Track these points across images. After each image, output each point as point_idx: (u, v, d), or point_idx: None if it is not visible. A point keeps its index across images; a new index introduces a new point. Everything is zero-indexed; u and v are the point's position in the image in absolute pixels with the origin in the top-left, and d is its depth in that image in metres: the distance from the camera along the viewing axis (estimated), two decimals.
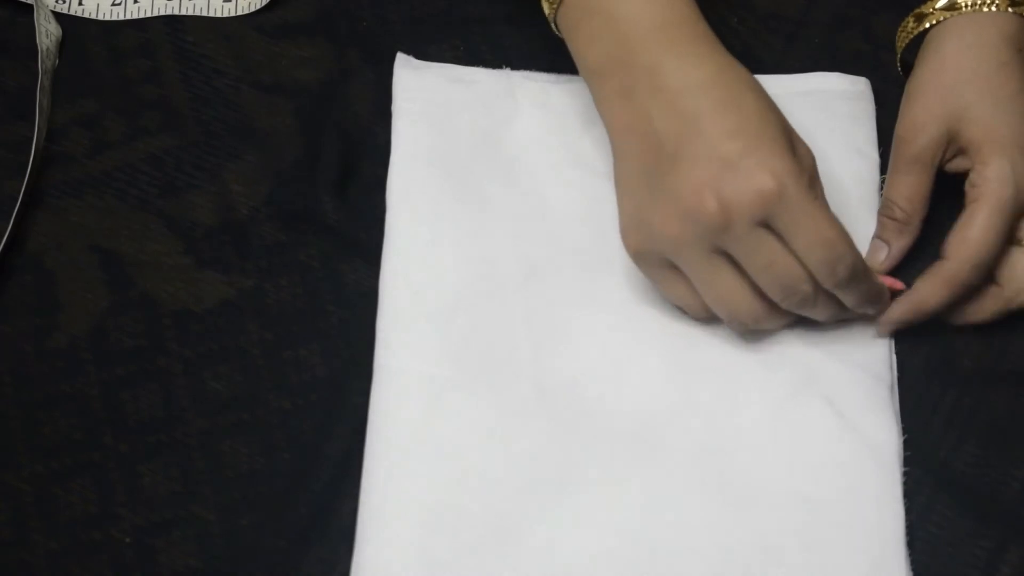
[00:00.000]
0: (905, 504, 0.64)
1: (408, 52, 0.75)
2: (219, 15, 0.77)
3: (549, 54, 0.75)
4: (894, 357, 0.68)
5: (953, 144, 0.68)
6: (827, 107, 0.73)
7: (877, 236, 0.69)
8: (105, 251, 0.70)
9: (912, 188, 0.68)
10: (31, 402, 0.67)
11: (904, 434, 0.66)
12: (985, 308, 0.67)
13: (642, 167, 0.64)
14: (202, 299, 0.69)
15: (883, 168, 0.72)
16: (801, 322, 0.68)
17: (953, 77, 0.67)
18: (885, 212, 0.69)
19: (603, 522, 0.63)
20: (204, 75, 0.75)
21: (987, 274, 0.66)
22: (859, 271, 0.63)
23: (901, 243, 0.69)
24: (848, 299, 0.65)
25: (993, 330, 0.68)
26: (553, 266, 0.69)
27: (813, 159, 0.65)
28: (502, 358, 0.67)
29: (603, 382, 0.66)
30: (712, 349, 0.67)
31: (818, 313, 0.65)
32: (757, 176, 0.61)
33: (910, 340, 0.68)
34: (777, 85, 0.74)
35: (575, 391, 0.66)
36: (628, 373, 0.67)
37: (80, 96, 0.75)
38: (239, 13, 0.77)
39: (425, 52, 0.75)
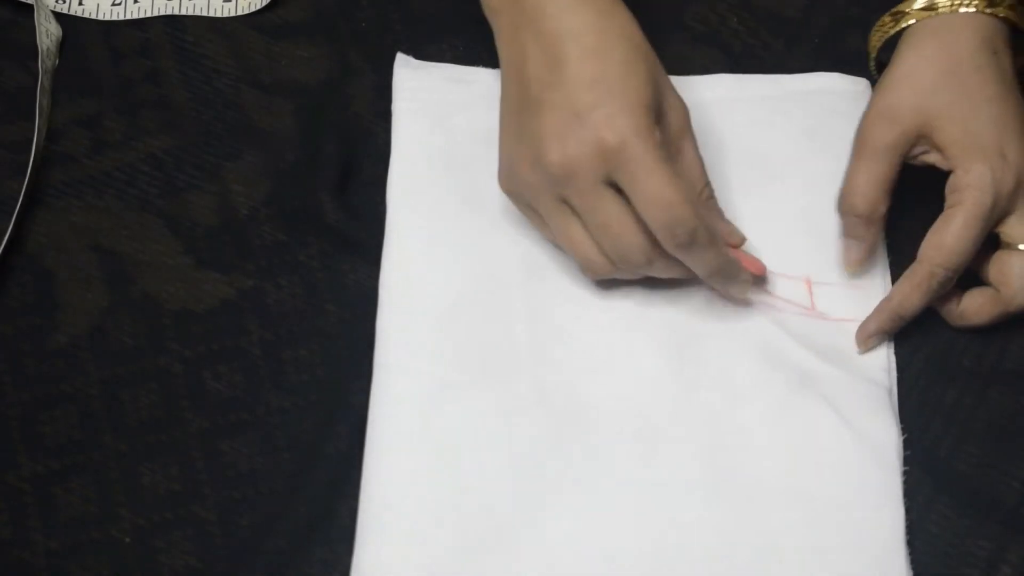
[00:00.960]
0: (905, 504, 0.64)
1: (408, 52, 0.75)
2: (219, 15, 0.77)
3: None
4: (893, 359, 0.68)
5: (925, 140, 0.68)
6: (827, 107, 0.73)
7: (848, 235, 0.69)
8: (105, 251, 0.70)
9: (877, 177, 0.68)
10: (31, 402, 0.67)
11: (904, 434, 0.66)
12: (984, 312, 0.67)
13: (515, 108, 0.65)
14: (202, 299, 0.69)
15: None
16: (800, 323, 0.68)
17: (930, 76, 0.67)
18: (847, 209, 0.68)
19: (603, 521, 0.63)
20: (204, 75, 0.75)
21: (958, 277, 0.67)
22: (700, 237, 0.62)
23: (872, 234, 0.68)
24: (695, 267, 0.64)
25: (993, 330, 0.68)
26: (553, 265, 0.69)
27: (684, 113, 0.65)
28: (502, 357, 0.67)
29: (603, 382, 0.66)
30: (712, 349, 0.67)
31: (658, 273, 0.66)
32: (600, 130, 0.61)
33: (910, 340, 0.69)
34: (777, 85, 0.74)
35: (575, 391, 0.66)
36: (628, 372, 0.67)
37: (80, 96, 0.75)
38: (239, 13, 0.77)
39: (425, 52, 0.75)
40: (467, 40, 0.76)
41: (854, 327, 0.68)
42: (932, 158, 0.68)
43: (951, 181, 0.67)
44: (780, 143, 0.73)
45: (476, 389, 0.66)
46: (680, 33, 0.77)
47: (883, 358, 0.68)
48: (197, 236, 0.71)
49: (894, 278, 0.69)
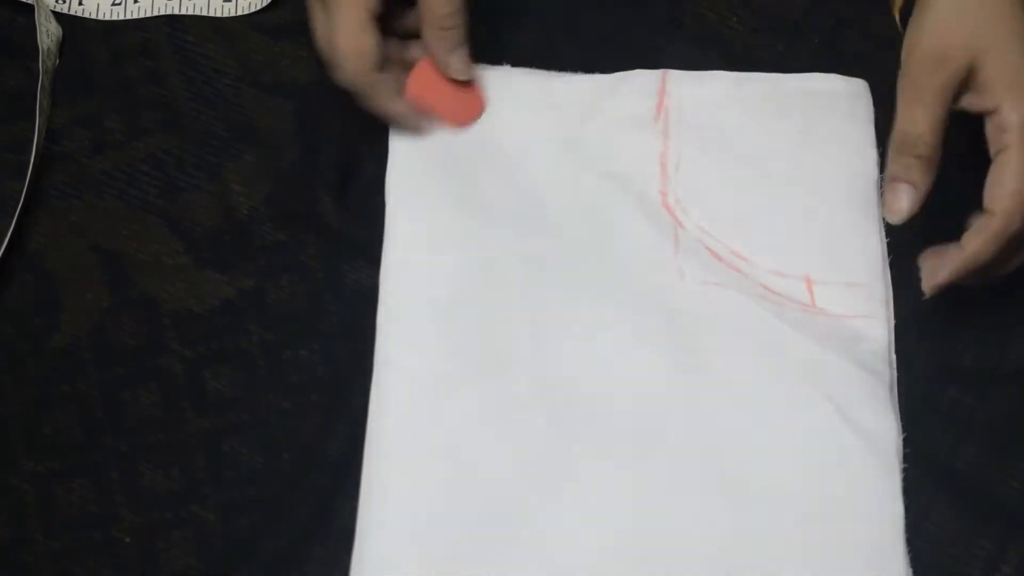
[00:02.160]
0: (905, 503, 0.64)
1: None
2: (219, 15, 0.77)
3: (549, 53, 0.75)
4: (893, 356, 0.68)
5: (967, 80, 0.65)
6: (826, 107, 0.73)
7: (901, 179, 0.65)
8: (105, 251, 0.70)
9: (935, 120, 0.65)
10: (31, 402, 0.67)
11: (904, 433, 0.66)
12: (986, 242, 0.64)
13: None
14: (202, 299, 0.69)
15: (882, 168, 0.72)
16: (801, 318, 0.68)
17: (973, 14, 0.65)
18: (908, 151, 0.65)
19: (602, 519, 0.63)
20: (204, 75, 0.75)
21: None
22: (360, 94, 0.69)
23: (928, 181, 0.65)
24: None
25: (993, 330, 0.69)
26: (553, 263, 0.69)
27: None
28: (502, 355, 0.67)
29: (603, 379, 0.66)
30: (712, 346, 0.67)
31: None
32: None
33: (911, 339, 0.68)
34: (776, 84, 0.74)
35: (575, 388, 0.66)
36: (628, 370, 0.67)
37: (80, 96, 0.75)
38: (239, 13, 0.77)
39: None
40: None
41: (855, 323, 0.68)
42: (969, 101, 0.65)
43: (997, 121, 0.64)
44: (779, 142, 0.73)
45: (476, 387, 0.66)
46: (680, 33, 0.77)
47: (883, 354, 0.68)
48: (197, 236, 0.71)
49: (893, 275, 0.69)
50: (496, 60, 0.75)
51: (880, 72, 0.75)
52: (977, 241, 0.64)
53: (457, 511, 0.63)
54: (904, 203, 0.65)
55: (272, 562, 0.63)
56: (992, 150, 0.64)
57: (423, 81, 0.71)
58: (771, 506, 0.64)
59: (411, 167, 0.71)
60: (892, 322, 0.69)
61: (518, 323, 0.68)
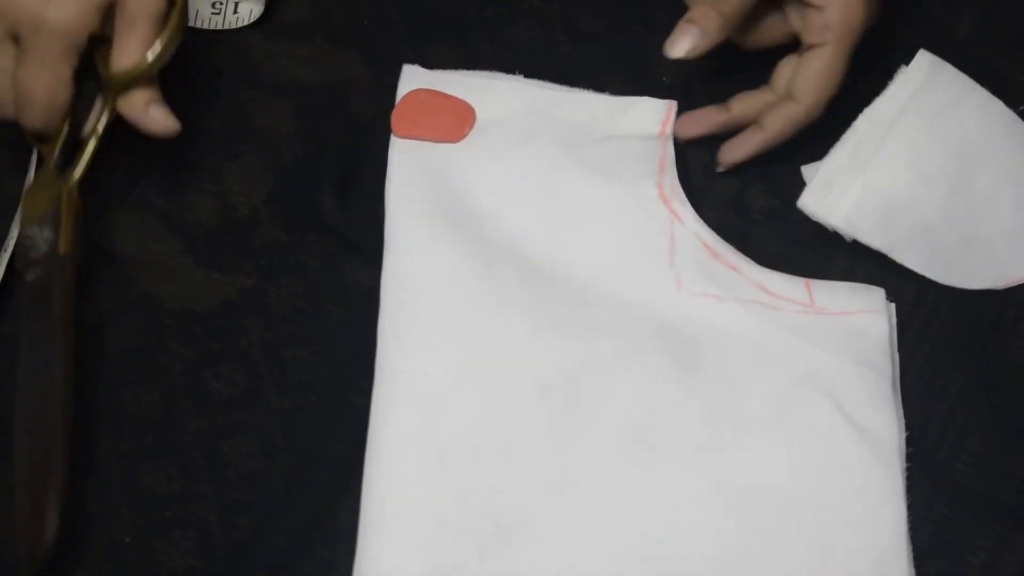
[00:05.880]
0: (906, 501, 0.64)
1: (408, 52, 0.75)
2: (205, 27, 0.76)
3: (549, 53, 0.75)
4: (896, 352, 0.68)
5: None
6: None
7: (696, 22, 0.68)
8: (105, 251, 0.70)
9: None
10: None
11: (905, 431, 0.66)
12: (784, 128, 0.69)
13: None
14: (202, 299, 0.69)
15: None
16: (800, 319, 0.68)
17: None
18: (715, 3, 0.68)
19: (604, 521, 0.63)
20: (204, 75, 0.75)
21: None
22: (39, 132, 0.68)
23: (714, 38, 0.68)
24: None
25: (995, 328, 0.69)
26: (552, 264, 0.69)
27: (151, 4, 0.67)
28: (501, 360, 0.67)
29: (603, 383, 0.66)
30: (712, 345, 0.67)
31: None
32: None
33: (911, 338, 0.69)
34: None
35: (575, 390, 0.66)
36: (629, 371, 0.67)
37: None
38: (225, 27, 0.76)
39: (425, 52, 0.75)
40: (467, 40, 0.76)
41: (856, 319, 0.68)
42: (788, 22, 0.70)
43: (821, 19, 0.67)
44: None
45: (476, 392, 0.66)
46: None
47: (885, 346, 0.67)
48: (197, 236, 0.71)
49: (893, 275, 0.69)
50: (496, 60, 0.75)
51: (879, 73, 0.75)
52: (779, 125, 0.69)
53: (458, 513, 0.63)
54: (686, 43, 0.68)
55: (272, 562, 0.63)
56: (806, 41, 0.68)
57: (407, 116, 0.71)
58: (773, 508, 0.64)
59: (410, 174, 0.71)
60: (894, 316, 0.69)
61: (518, 324, 0.68)
